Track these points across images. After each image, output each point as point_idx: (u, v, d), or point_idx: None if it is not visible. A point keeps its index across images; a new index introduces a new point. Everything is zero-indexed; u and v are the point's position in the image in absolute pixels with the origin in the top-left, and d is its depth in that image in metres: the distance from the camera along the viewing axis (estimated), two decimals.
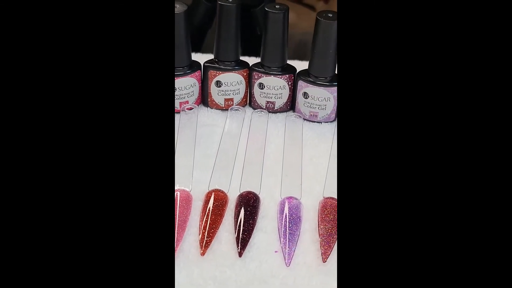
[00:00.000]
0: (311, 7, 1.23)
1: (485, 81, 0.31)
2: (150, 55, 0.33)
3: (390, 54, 0.32)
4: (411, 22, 0.32)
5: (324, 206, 0.44)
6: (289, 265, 0.40)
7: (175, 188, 0.45)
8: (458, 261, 0.30)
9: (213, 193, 0.44)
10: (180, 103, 0.56)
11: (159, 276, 0.31)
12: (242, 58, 0.57)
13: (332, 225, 0.42)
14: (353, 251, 0.31)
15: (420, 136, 0.32)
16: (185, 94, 0.56)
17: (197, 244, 0.41)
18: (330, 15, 0.50)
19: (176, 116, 0.55)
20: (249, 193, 0.45)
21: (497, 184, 0.31)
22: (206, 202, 0.44)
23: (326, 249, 0.40)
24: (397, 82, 0.32)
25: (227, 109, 0.58)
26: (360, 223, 0.31)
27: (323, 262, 0.40)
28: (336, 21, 0.49)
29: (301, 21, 1.21)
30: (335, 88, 0.53)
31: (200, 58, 0.57)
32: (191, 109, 0.56)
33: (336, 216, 0.42)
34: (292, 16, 0.83)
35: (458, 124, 0.32)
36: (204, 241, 0.40)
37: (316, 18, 0.50)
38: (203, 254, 0.40)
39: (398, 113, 0.32)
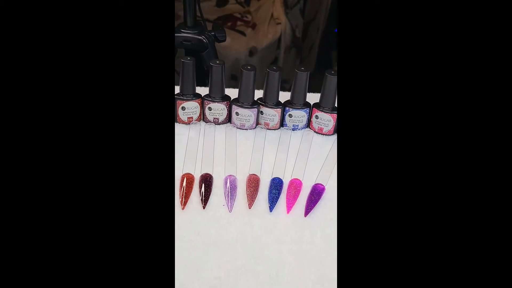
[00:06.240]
0: (242, 33, 1.53)
1: (482, 74, 0.32)
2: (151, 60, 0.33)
3: (385, 57, 0.33)
4: (409, 25, 0.33)
5: (249, 179, 0.76)
6: (231, 211, 0.72)
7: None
8: (455, 259, 0.31)
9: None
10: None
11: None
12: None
13: (254, 188, 0.74)
14: (353, 251, 0.32)
15: (419, 136, 0.32)
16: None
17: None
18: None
19: None
20: (206, 173, 0.76)
21: (490, 184, 0.31)
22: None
23: (250, 201, 0.73)
24: (394, 83, 0.33)
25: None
26: (359, 221, 0.32)
27: (249, 208, 0.72)
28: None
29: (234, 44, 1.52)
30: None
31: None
32: None
33: (255, 185, 0.74)
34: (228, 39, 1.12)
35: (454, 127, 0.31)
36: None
37: None
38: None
39: (396, 113, 0.33)
